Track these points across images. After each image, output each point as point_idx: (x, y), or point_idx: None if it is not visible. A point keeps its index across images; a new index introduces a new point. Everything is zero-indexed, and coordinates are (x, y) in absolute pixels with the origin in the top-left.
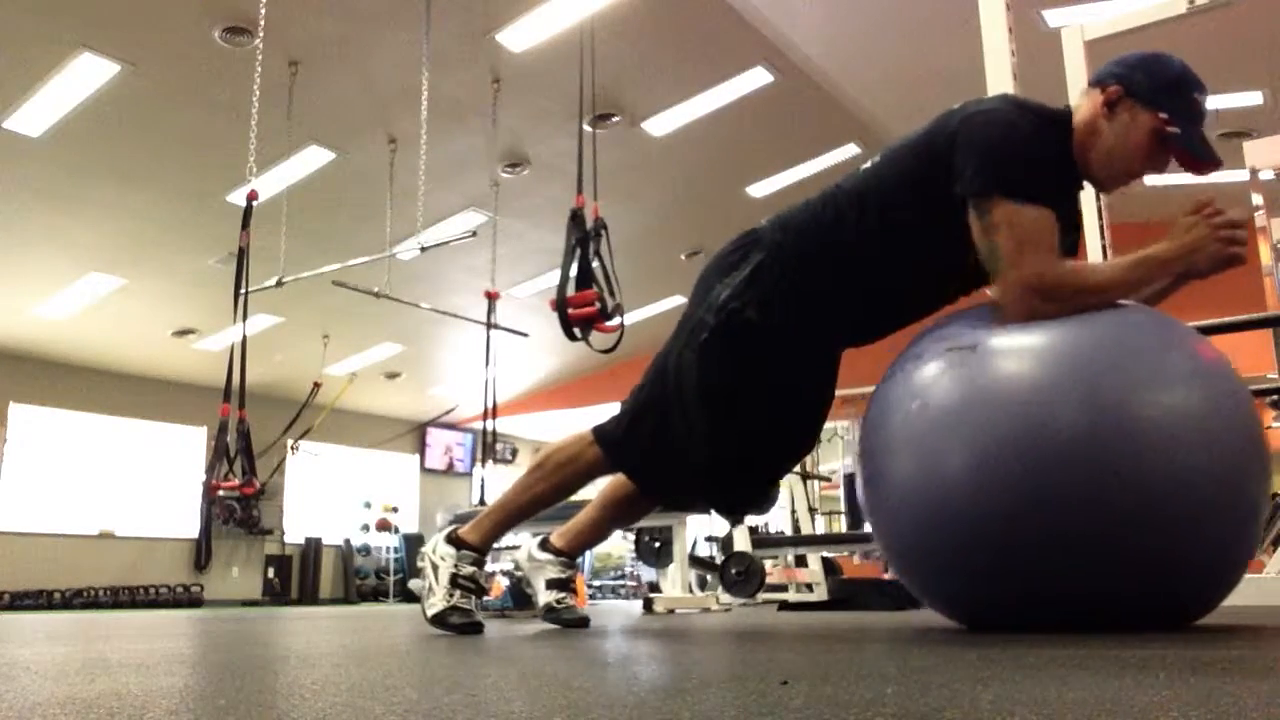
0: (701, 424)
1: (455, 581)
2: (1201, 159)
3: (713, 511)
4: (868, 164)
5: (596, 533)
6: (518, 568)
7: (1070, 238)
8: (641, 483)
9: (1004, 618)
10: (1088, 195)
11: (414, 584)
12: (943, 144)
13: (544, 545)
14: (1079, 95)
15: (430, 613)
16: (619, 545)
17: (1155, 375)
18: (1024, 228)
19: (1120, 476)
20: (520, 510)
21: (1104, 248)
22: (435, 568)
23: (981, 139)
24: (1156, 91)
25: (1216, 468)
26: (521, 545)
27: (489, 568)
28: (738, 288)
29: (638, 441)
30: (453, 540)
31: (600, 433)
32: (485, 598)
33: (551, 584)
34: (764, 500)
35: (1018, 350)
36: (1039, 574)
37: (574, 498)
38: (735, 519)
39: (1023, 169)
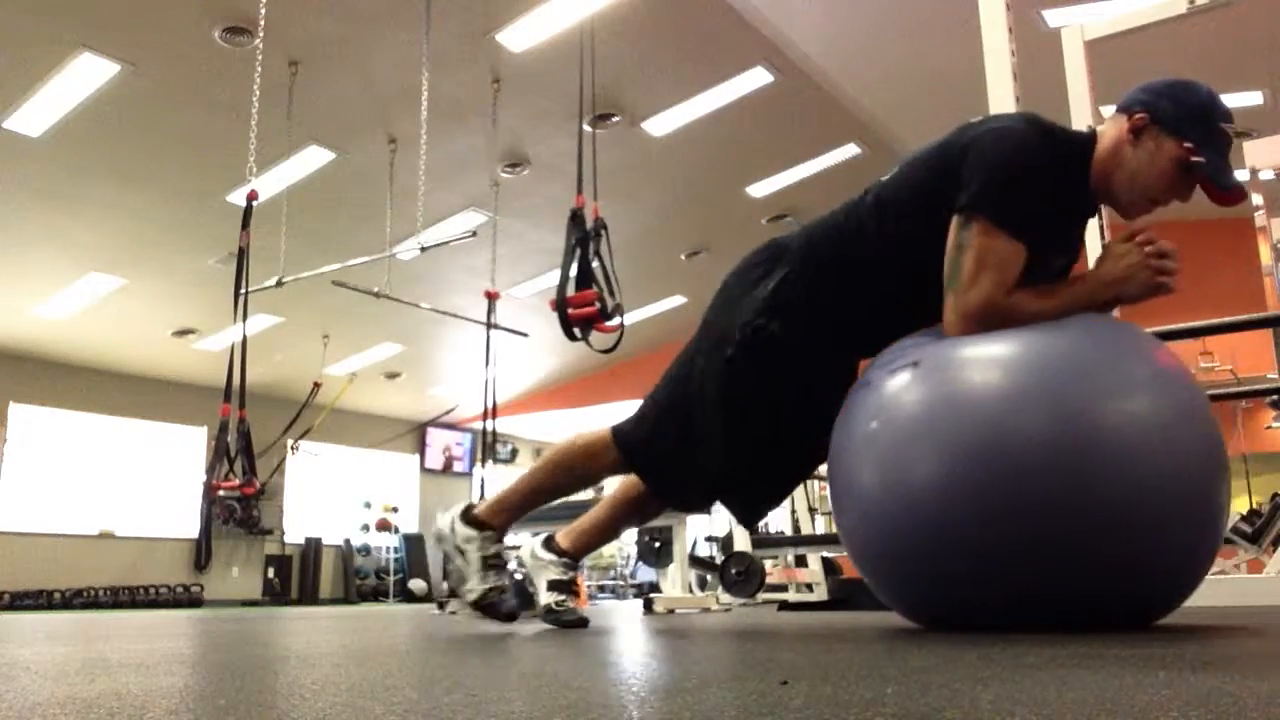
0: (721, 432)
1: (486, 563)
2: (1225, 190)
3: (716, 511)
4: (888, 174)
5: (605, 534)
6: (520, 564)
7: (1065, 263)
8: (657, 486)
9: (967, 622)
10: None
11: (414, 584)
12: (955, 156)
13: (548, 544)
14: (1107, 121)
15: (470, 598)
16: (610, 545)
17: (1117, 382)
18: (994, 255)
19: (1085, 483)
20: (536, 497)
21: (1104, 248)
22: (463, 552)
23: (988, 157)
24: (1182, 120)
25: (1179, 472)
26: (524, 544)
27: None
28: (763, 302)
29: (657, 446)
30: (470, 522)
31: (620, 434)
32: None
33: (553, 585)
34: (773, 504)
35: (973, 361)
36: (1001, 578)
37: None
38: (750, 524)
39: (1018, 198)
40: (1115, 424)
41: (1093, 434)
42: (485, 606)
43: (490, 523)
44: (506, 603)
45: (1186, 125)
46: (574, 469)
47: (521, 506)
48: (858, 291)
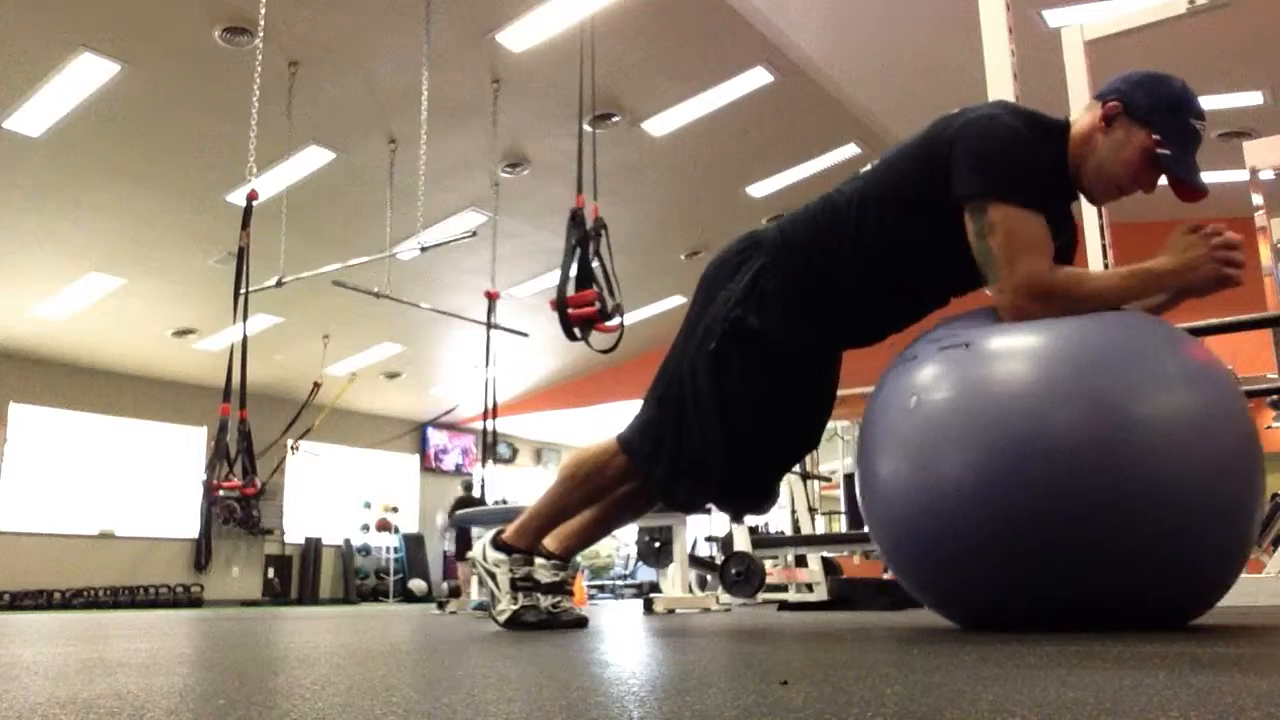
0: (717, 430)
1: (515, 585)
2: (1187, 184)
3: (713, 510)
4: (867, 168)
5: (593, 533)
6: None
7: (1062, 245)
8: (664, 491)
9: (1000, 617)
10: None
11: (414, 584)
12: (940, 148)
13: (497, 544)
14: (1083, 108)
15: (502, 619)
16: (608, 545)
17: (1154, 376)
18: (1019, 231)
19: (1119, 477)
20: (557, 516)
21: (1104, 247)
22: (493, 575)
23: (980, 144)
24: (1153, 111)
25: (1213, 467)
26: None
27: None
28: (740, 294)
29: (663, 452)
30: (500, 546)
31: (625, 444)
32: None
33: (549, 588)
34: (767, 499)
35: (1016, 350)
36: (1035, 573)
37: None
38: (738, 518)
39: (1019, 174)
40: (1151, 418)
41: (1128, 427)
42: (517, 625)
43: (517, 546)
44: (541, 620)
45: (1157, 117)
46: (585, 483)
47: (543, 528)
48: (834, 283)
